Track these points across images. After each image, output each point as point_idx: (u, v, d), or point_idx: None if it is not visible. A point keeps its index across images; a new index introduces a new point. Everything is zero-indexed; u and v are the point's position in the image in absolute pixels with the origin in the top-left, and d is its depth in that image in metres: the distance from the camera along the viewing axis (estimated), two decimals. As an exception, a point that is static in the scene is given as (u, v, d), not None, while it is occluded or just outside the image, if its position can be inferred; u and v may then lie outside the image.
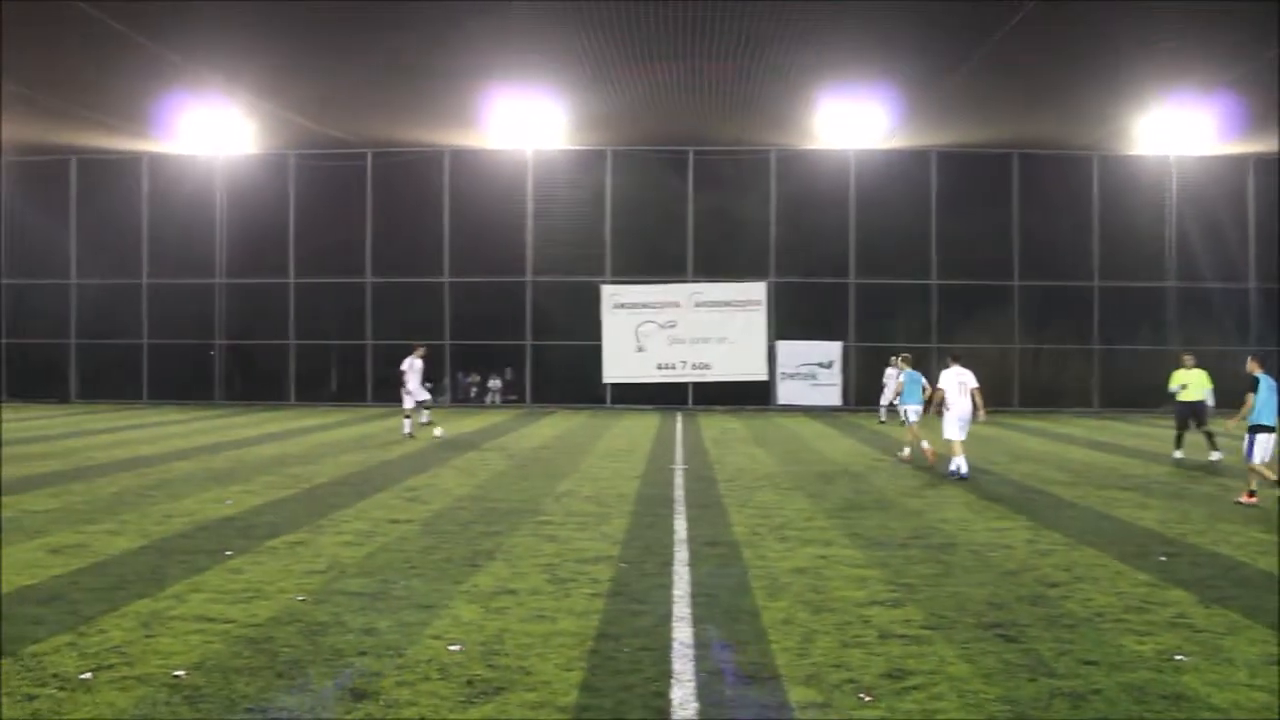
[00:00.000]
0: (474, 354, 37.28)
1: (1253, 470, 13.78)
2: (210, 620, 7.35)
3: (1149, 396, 36.11)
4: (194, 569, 9.05)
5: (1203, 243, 36.98)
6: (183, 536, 10.69)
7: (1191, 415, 20.25)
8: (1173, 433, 20.83)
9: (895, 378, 24.04)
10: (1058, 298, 37.01)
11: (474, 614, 7.59)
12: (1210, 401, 20.47)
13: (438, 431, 23.21)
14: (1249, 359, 14.74)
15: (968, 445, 17.08)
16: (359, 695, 5.83)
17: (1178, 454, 20.20)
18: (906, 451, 19.30)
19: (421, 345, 23.99)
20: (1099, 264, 36.87)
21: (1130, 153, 36.24)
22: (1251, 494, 13.73)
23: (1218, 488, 15.68)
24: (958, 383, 16.88)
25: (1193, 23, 22.96)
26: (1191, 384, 20.29)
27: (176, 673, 6.18)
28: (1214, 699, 5.92)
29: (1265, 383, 14.03)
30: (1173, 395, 20.78)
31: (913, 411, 18.88)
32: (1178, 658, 6.71)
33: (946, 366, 17.33)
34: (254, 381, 37.24)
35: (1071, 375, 34.92)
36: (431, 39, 24.06)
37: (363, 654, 6.59)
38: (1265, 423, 13.73)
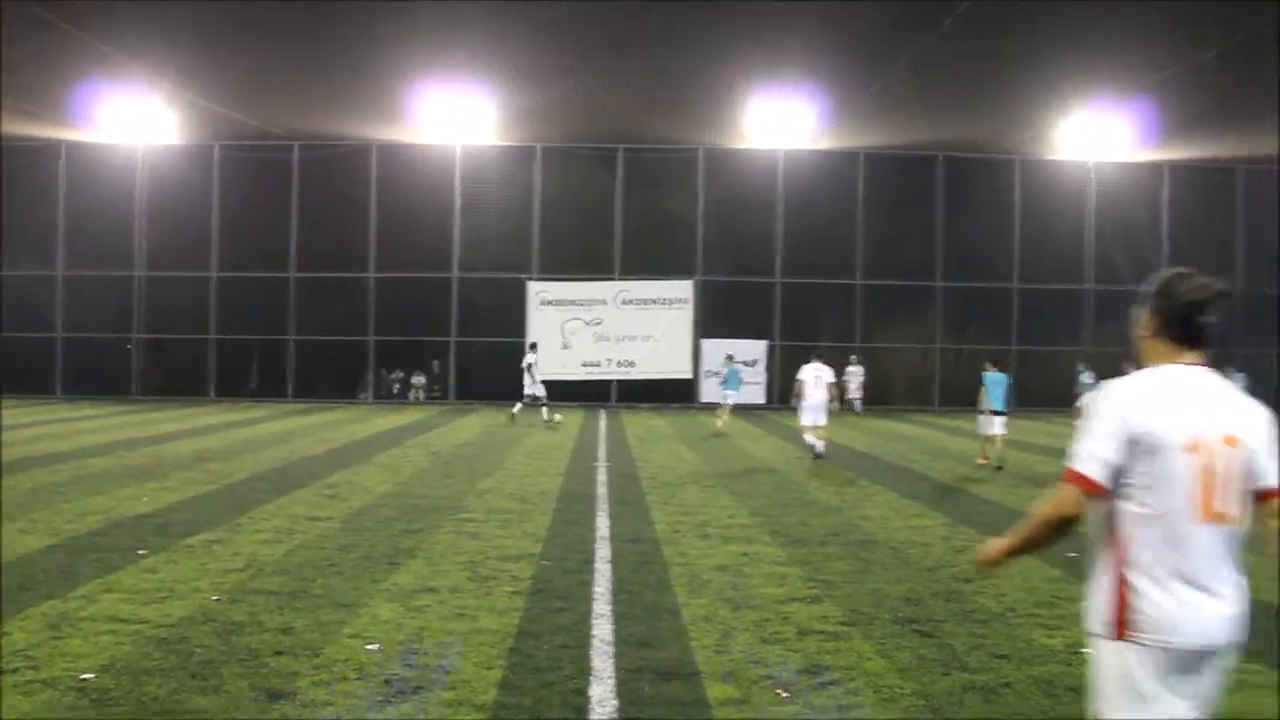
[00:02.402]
0: (399, 350, 36.91)
1: None
2: (122, 621, 7.21)
3: (1065, 396, 36.97)
4: (106, 568, 8.87)
5: (1118, 247, 37.88)
6: (96, 535, 10.47)
7: None
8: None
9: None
10: (978, 299, 37.64)
11: (393, 612, 7.54)
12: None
13: (558, 417, 25.69)
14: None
15: (895, 442, 17.34)
16: (274, 696, 5.76)
17: None
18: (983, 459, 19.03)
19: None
20: (1019, 266, 37.61)
21: (1051, 157, 36.99)
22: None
23: (1129, 486, 16.03)
24: (814, 376, 18.87)
25: (1112, 31, 23.49)
26: None
27: (84, 675, 6.05)
28: (1120, 692, 6.07)
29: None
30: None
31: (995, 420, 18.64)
32: (1085, 650, 6.85)
33: (808, 361, 19.31)
34: (173, 377, 36.44)
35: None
36: (359, 31, 23.77)
37: (279, 654, 6.51)
38: None
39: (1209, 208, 38.23)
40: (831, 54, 25.83)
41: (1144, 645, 3.27)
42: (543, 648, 6.75)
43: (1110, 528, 3.36)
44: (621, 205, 36.51)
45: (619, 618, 7.52)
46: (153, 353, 36.71)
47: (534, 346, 29.71)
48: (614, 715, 5.60)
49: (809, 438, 19.00)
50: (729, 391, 25.29)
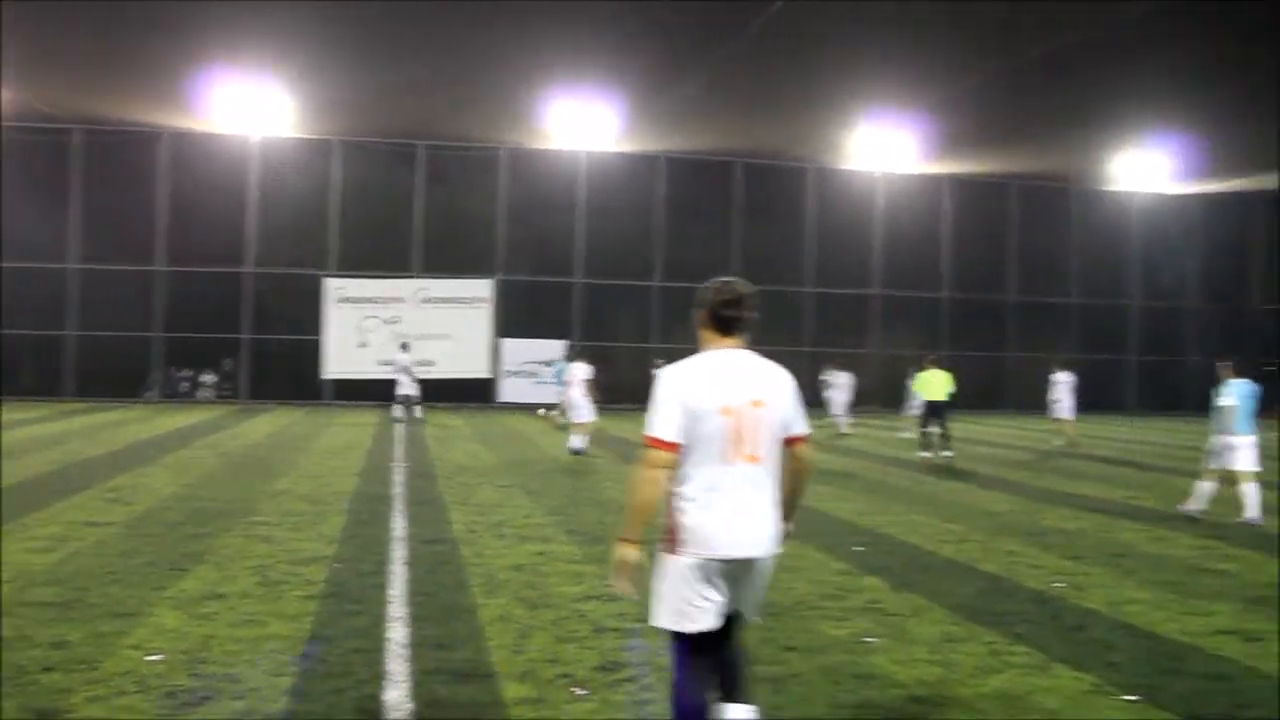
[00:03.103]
0: (188, 347, 35.37)
1: None
2: (-126, 636, 6.72)
3: (858, 397, 38.45)
4: None
5: (904, 254, 39.76)
6: None
7: (934, 414, 21.46)
8: (919, 431, 21.68)
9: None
10: (774, 302, 38.73)
11: (178, 621, 7.26)
12: (913, 401, 21.81)
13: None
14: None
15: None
16: (44, 716, 5.46)
17: (924, 453, 21.29)
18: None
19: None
20: (811, 272, 38.96)
21: (843, 167, 38.46)
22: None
23: (911, 481, 16.86)
24: (580, 379, 19.79)
25: (898, 51, 24.71)
26: (934, 384, 21.49)
27: None
28: (899, 676, 6.40)
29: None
30: (916, 396, 21.89)
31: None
32: (869, 640, 7.20)
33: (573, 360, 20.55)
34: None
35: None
36: (150, 15, 22.81)
37: (49, 670, 6.15)
38: None
39: (986, 220, 40.52)
40: (632, 58, 26.17)
41: (691, 556, 4.38)
42: (335, 653, 6.63)
43: (673, 475, 4.39)
44: (422, 203, 36.10)
45: (415, 620, 7.45)
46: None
47: (406, 347, 29.64)
48: (409, 719, 5.56)
49: (578, 440, 19.53)
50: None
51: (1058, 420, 25.00)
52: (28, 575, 8.58)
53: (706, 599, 4.39)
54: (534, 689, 6.04)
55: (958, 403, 21.93)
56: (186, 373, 35.68)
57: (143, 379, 35.02)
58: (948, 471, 18.76)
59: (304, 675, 6.17)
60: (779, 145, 35.84)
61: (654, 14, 22.72)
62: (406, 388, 28.16)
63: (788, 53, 24.82)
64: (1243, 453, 12.86)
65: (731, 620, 4.54)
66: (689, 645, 4.46)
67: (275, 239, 35.21)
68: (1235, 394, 13.04)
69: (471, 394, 35.39)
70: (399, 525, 11.48)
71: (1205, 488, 13.13)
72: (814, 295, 39.09)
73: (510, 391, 35.67)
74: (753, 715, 4.66)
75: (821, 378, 29.71)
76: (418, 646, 6.80)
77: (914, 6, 21.71)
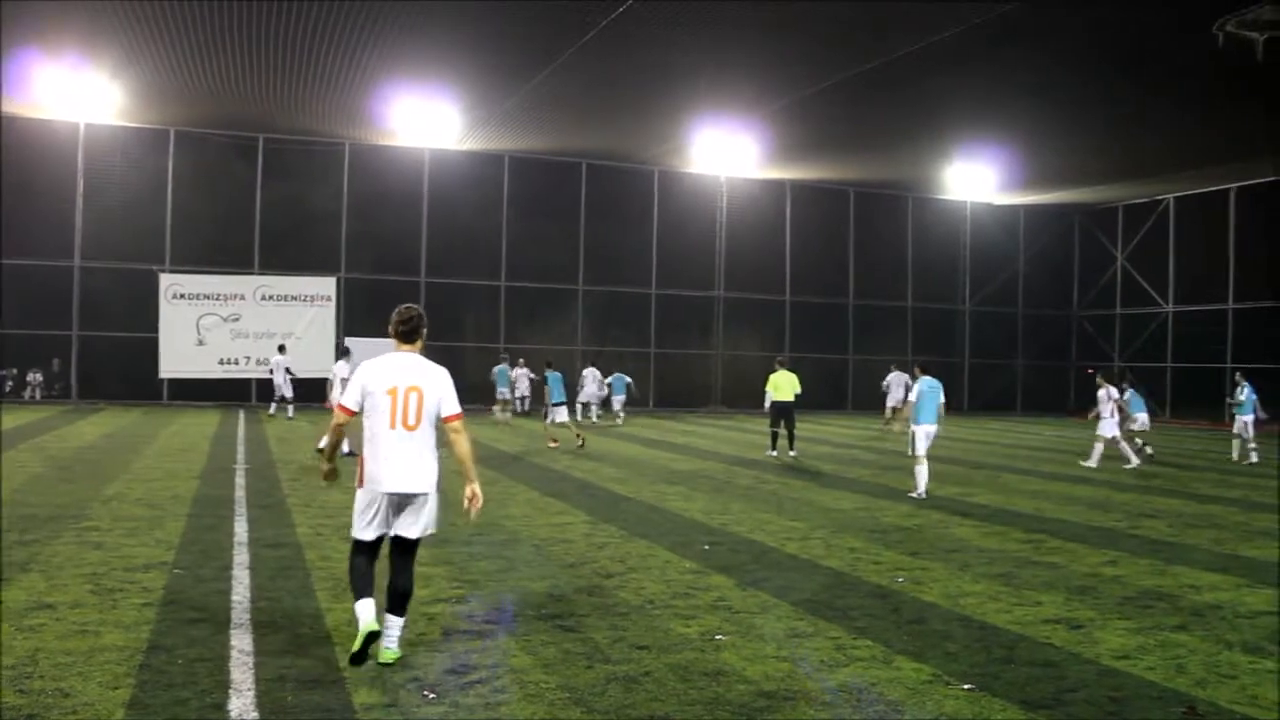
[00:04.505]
0: (12, 344, 33.51)
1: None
2: None
3: (695, 396, 39.17)
4: None
5: (747, 257, 40.52)
6: None
7: (782, 415, 21.81)
8: (768, 431, 22.23)
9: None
10: (620, 302, 39.03)
11: (2, 634, 6.93)
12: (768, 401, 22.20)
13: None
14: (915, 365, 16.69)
15: (538, 440, 17.56)
16: None
17: (771, 452, 21.64)
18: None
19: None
20: (656, 273, 39.35)
21: (687, 170, 38.92)
22: None
23: (756, 480, 17.18)
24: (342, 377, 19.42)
25: (737, 58, 25.19)
26: (782, 385, 21.83)
27: None
28: (748, 672, 6.53)
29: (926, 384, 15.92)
30: (766, 396, 22.29)
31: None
32: (718, 637, 7.32)
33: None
34: None
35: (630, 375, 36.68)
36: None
37: None
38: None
39: (825, 224, 41.60)
40: (476, 58, 26.03)
41: (369, 489, 6.59)
42: (176, 662, 6.42)
43: (362, 433, 6.68)
44: (261, 197, 35.12)
45: (258, 626, 7.28)
46: None
47: (282, 348, 30.01)
48: (254, 728, 5.43)
49: None
50: (503, 389, 30.13)
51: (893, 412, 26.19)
52: None
53: (378, 518, 6.69)
54: (384, 694, 5.96)
55: (802, 403, 22.46)
56: (10, 370, 33.86)
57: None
58: (792, 470, 19.17)
59: (142, 686, 5.96)
60: (625, 148, 36.11)
61: (498, 14, 22.63)
62: (284, 388, 28.92)
63: (631, 55, 25.03)
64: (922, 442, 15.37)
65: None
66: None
67: (106, 231, 33.63)
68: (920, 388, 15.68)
69: (315, 394, 34.53)
70: (241, 529, 11.19)
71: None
72: (659, 296, 39.49)
73: (339, 394, 34.93)
74: None
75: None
76: (263, 654, 6.65)
77: (755, 13, 22.13)
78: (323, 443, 18.83)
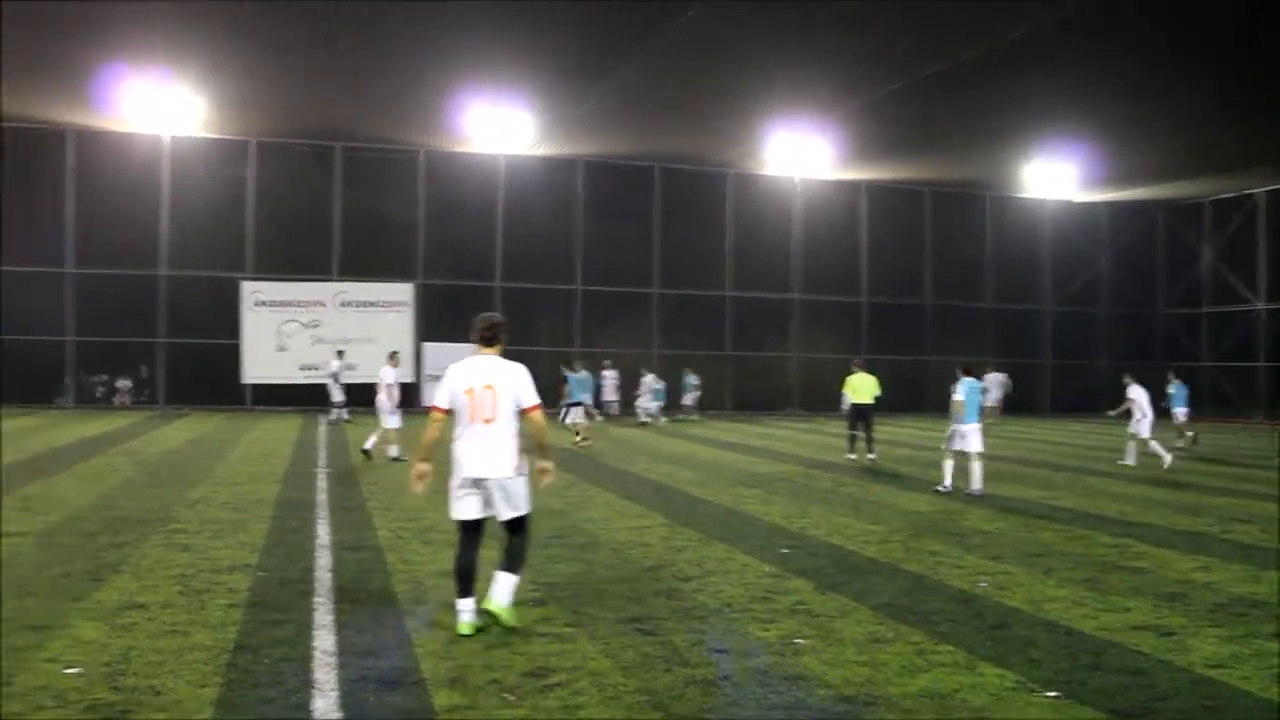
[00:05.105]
0: (102, 351, 34.44)
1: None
2: None
3: (772, 399, 38.94)
4: None
5: (822, 259, 40.23)
6: None
7: (860, 417, 21.64)
8: (846, 433, 22.06)
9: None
10: (693, 306, 38.96)
11: (97, 632, 7.10)
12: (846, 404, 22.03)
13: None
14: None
15: (617, 445, 17.60)
16: (-40, 729, 5.32)
17: (849, 455, 21.50)
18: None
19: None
20: (731, 275, 39.22)
21: (761, 172, 38.77)
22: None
23: (834, 483, 17.05)
24: (387, 382, 19.64)
25: (816, 55, 25.03)
26: (860, 388, 21.67)
27: None
28: (827, 676, 6.46)
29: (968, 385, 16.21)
30: (844, 398, 22.11)
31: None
32: (797, 641, 7.26)
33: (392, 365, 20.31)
34: None
35: (705, 379, 36.63)
36: (46, 8, 22.27)
37: (-36, 683, 6.01)
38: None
39: (901, 224, 41.16)
40: (548, 63, 26.18)
41: (458, 474, 7.42)
42: (262, 662, 6.53)
43: (455, 427, 7.44)
44: (340, 205, 35.65)
45: (341, 628, 7.37)
46: None
47: (341, 354, 30.64)
48: (338, 728, 5.50)
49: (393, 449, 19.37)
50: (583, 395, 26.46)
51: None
52: (-63, 588, 8.33)
53: (469, 498, 7.53)
54: (463, 695, 6.00)
55: (881, 405, 22.25)
56: (101, 378, 34.79)
57: (54, 384, 34.07)
58: (871, 473, 18.99)
59: (230, 685, 6.07)
60: (698, 150, 36.07)
61: (570, 19, 22.74)
62: (336, 393, 29.62)
63: (703, 58, 25.00)
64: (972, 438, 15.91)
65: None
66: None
67: (189, 241, 34.47)
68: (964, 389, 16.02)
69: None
70: (323, 532, 11.35)
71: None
72: (733, 299, 39.37)
73: (433, 396, 35.26)
74: None
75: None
76: (345, 654, 6.73)
77: (828, 15, 21.99)
78: (369, 444, 19.18)
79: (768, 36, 23.27)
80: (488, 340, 7.60)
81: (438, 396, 7.53)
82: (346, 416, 29.42)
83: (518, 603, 7.67)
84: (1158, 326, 45.21)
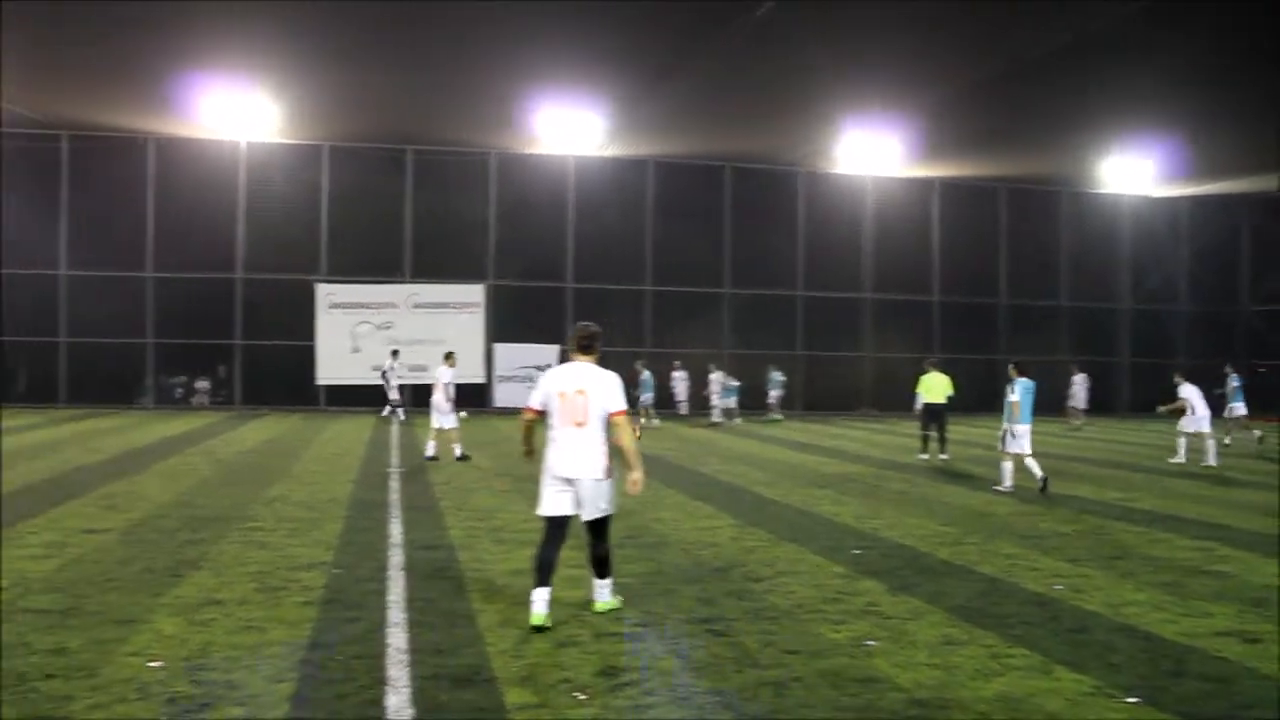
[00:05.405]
0: (180, 353, 35.28)
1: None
2: (-128, 645, 6.69)
3: (844, 399, 38.64)
4: None
5: (895, 257, 39.84)
6: None
7: (933, 417, 21.45)
8: (919, 434, 21.89)
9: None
10: (765, 306, 38.79)
11: (176, 627, 7.25)
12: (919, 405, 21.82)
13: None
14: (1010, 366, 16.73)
15: (688, 445, 17.56)
16: (47, 720, 5.45)
17: (922, 456, 21.30)
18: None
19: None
20: (803, 275, 39.00)
21: (832, 171, 38.49)
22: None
23: (907, 484, 16.87)
24: (444, 382, 19.31)
25: (886, 53, 24.80)
26: (934, 387, 21.49)
27: None
28: (900, 679, 6.40)
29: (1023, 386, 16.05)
30: (917, 398, 21.94)
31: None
32: (869, 643, 7.20)
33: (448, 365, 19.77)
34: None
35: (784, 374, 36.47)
36: (132, 17, 22.75)
37: (50, 677, 6.15)
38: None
39: (974, 222, 40.61)
40: (618, 63, 26.22)
41: (548, 473, 7.74)
42: (336, 658, 6.62)
43: (548, 429, 7.71)
44: (411, 207, 36.04)
45: (414, 625, 7.44)
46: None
47: (396, 353, 31.11)
48: (411, 724, 5.55)
49: (430, 446, 19.52)
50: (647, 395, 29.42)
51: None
52: (26, 582, 8.56)
53: (559, 496, 7.80)
54: (535, 694, 6.03)
55: (954, 405, 22.00)
56: (180, 379, 35.59)
57: (135, 385, 34.91)
58: (944, 474, 18.78)
59: (305, 681, 6.16)
60: (768, 149, 35.92)
61: (640, 19, 22.76)
62: (393, 392, 30.14)
63: (774, 56, 24.87)
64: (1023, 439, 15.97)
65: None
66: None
67: (265, 244, 35.13)
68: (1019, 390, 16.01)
69: (465, 399, 35.19)
70: (396, 531, 11.47)
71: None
72: (804, 299, 39.14)
73: (504, 396, 35.58)
74: None
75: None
76: (418, 652, 6.79)
77: (899, 11, 21.78)
78: (430, 450, 19.28)
79: (839, 33, 23.09)
80: (584, 348, 7.91)
81: (532, 398, 7.93)
82: (402, 417, 29.77)
83: (587, 602, 7.72)
84: (1240, 324, 44.08)
